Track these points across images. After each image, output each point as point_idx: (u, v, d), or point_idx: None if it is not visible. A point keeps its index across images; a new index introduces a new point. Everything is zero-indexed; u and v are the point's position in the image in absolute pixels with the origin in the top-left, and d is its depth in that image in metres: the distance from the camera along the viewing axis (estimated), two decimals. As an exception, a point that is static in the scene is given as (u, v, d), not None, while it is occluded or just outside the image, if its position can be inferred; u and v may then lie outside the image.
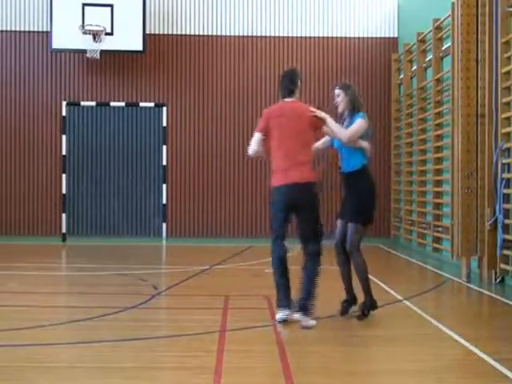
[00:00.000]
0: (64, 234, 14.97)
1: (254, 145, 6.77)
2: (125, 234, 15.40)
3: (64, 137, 15.06)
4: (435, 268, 10.87)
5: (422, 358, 5.46)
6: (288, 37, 15.55)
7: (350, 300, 7.05)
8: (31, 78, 15.36)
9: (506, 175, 9.08)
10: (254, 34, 15.56)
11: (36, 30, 15.33)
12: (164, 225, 15.33)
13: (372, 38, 15.60)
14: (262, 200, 15.32)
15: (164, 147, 15.30)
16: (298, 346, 5.91)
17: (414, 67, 13.80)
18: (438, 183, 12.16)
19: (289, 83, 6.87)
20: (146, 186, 15.49)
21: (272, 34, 15.56)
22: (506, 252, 9.06)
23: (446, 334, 6.26)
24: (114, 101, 15.30)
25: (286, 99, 6.84)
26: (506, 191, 9.09)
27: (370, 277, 6.97)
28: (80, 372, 5.05)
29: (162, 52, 15.48)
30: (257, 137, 6.78)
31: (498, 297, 8.28)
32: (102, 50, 14.50)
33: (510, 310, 7.59)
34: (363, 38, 15.59)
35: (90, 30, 14.39)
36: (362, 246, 6.86)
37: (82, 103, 15.22)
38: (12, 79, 15.34)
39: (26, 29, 15.34)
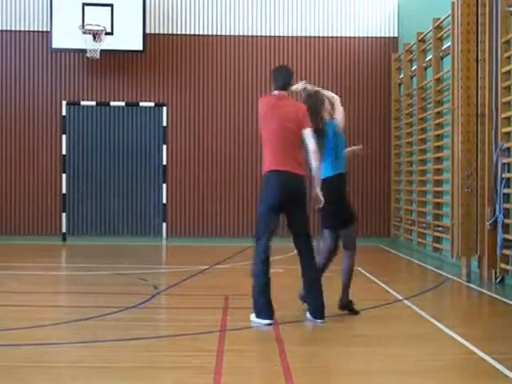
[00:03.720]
0: (64, 233, 14.97)
1: None
2: (125, 234, 15.39)
3: (64, 137, 15.06)
4: (435, 268, 10.87)
5: (421, 358, 5.46)
6: (288, 37, 15.53)
7: None
8: (31, 78, 15.35)
9: (505, 175, 9.08)
10: (254, 34, 15.55)
11: (36, 29, 15.32)
12: (164, 225, 15.33)
13: (372, 37, 15.59)
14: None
15: (164, 147, 15.29)
16: (298, 346, 5.90)
17: (414, 67, 13.80)
18: (438, 183, 12.15)
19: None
20: (146, 186, 15.48)
21: (272, 34, 15.55)
22: (506, 252, 9.06)
23: (446, 333, 6.26)
24: (114, 101, 15.30)
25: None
26: (506, 191, 9.09)
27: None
28: (80, 372, 5.05)
29: (162, 52, 15.47)
30: None
31: (498, 297, 8.28)
32: (101, 50, 14.48)
33: (510, 310, 7.59)
34: (363, 37, 15.58)
35: (89, 30, 14.38)
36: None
37: (82, 103, 15.22)
38: (12, 79, 15.33)
39: (26, 29, 15.33)
